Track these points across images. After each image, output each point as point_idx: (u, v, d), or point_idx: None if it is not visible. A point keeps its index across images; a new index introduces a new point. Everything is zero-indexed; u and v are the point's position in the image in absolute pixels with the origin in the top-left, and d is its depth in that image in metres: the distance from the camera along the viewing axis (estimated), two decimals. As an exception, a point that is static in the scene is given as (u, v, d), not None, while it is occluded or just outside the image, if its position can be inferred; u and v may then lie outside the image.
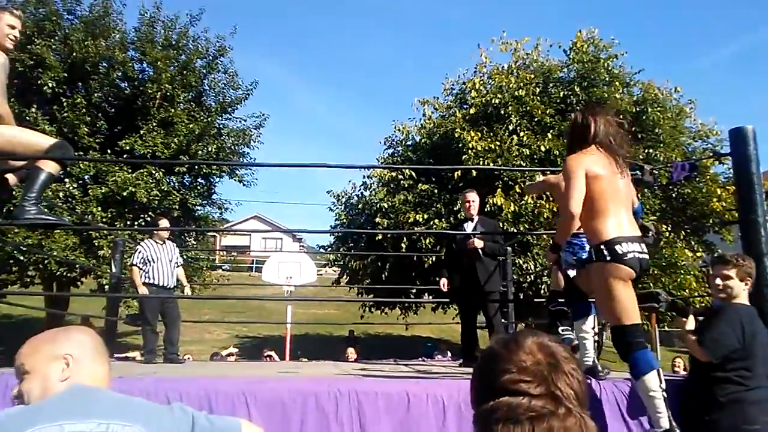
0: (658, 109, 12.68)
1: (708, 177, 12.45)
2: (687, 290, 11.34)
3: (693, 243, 12.65)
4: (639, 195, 11.29)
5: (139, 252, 6.50)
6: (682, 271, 11.70)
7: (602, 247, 2.93)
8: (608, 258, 2.91)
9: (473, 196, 5.79)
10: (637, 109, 12.64)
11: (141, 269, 6.42)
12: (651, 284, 11.15)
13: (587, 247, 3.81)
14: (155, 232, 6.68)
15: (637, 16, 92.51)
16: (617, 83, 12.71)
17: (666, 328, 19.18)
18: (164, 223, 7.00)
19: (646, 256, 3.03)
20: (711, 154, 12.40)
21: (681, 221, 12.88)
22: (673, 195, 12.50)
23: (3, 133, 3.46)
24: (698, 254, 12.54)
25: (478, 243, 5.56)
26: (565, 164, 3.12)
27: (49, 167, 3.55)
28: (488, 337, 5.85)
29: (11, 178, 3.88)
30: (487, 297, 5.55)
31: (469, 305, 5.73)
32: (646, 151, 12.11)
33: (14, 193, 5.39)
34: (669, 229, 11.96)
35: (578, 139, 3.20)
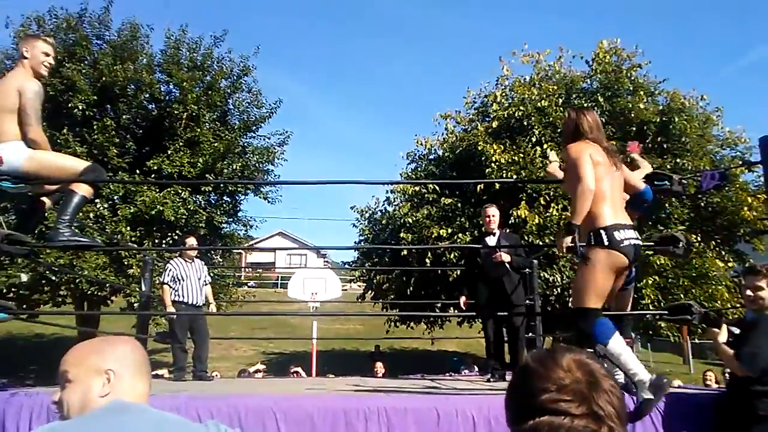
0: (685, 118, 12.49)
1: (738, 185, 12.19)
2: (719, 301, 11.09)
3: (724, 253, 12.38)
4: (667, 204, 11.04)
5: (169, 270, 6.57)
6: (713, 282, 11.45)
7: (601, 231, 3.05)
8: (606, 243, 3.03)
9: (493, 211, 5.79)
10: (663, 118, 12.47)
11: (171, 287, 6.48)
12: (682, 296, 10.94)
13: None
14: (183, 254, 6.73)
15: (659, 25, 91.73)
16: (641, 93, 12.57)
17: (697, 341, 18.77)
18: (192, 241, 7.05)
19: (640, 242, 3.17)
20: (741, 162, 12.16)
21: (711, 230, 12.62)
22: (702, 204, 12.26)
23: (38, 158, 3.57)
24: (730, 264, 12.27)
25: (505, 257, 5.58)
26: (568, 150, 3.27)
27: (83, 190, 3.65)
28: (509, 351, 5.81)
29: (46, 200, 3.99)
30: (513, 310, 5.52)
31: (496, 319, 5.70)
32: (674, 161, 11.93)
33: (47, 214, 5.53)
34: (699, 239, 11.73)
35: (572, 135, 3.38)
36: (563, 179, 3.70)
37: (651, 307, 10.17)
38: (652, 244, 4.32)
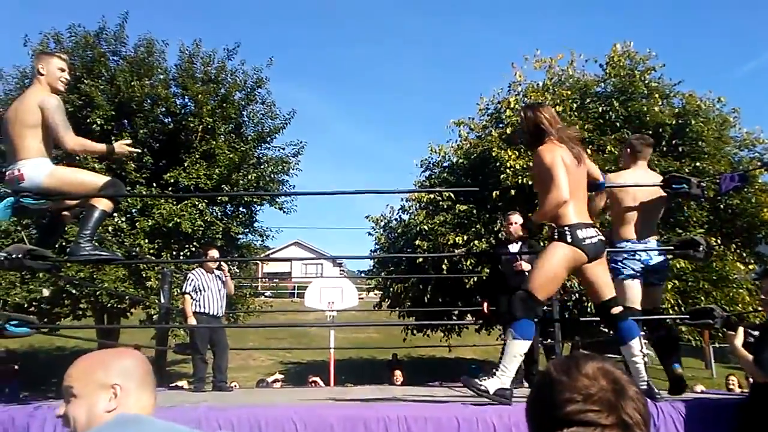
0: (701, 120, 12.38)
1: (757, 186, 12.04)
2: (740, 305, 10.92)
3: (744, 255, 12.21)
4: (686, 207, 10.88)
5: (191, 281, 6.58)
6: (734, 285, 11.29)
7: (566, 229, 3.20)
8: (569, 241, 3.17)
9: (517, 218, 5.79)
10: (679, 121, 12.37)
11: (192, 298, 6.52)
12: (702, 299, 10.80)
13: (643, 258, 3.78)
14: (204, 266, 6.77)
15: (672, 27, 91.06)
16: (656, 96, 12.49)
17: (718, 345, 18.48)
18: (214, 253, 7.08)
19: (602, 239, 3.31)
20: (760, 164, 12.02)
21: (731, 233, 12.45)
22: (721, 206, 12.11)
23: (59, 174, 3.64)
24: (750, 267, 12.10)
25: (525, 266, 5.56)
26: (541, 155, 3.29)
27: (103, 205, 3.71)
28: (525, 358, 5.76)
29: (66, 215, 4.06)
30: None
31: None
32: (692, 164, 11.81)
33: (66, 229, 5.62)
34: (718, 241, 11.57)
35: (535, 135, 3.40)
36: (532, 179, 3.78)
37: (671, 312, 10.04)
38: (672, 248, 4.28)
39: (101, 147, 4.01)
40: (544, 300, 3.36)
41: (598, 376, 0.92)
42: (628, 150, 4.22)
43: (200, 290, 6.53)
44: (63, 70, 3.80)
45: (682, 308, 10.26)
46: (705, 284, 11.02)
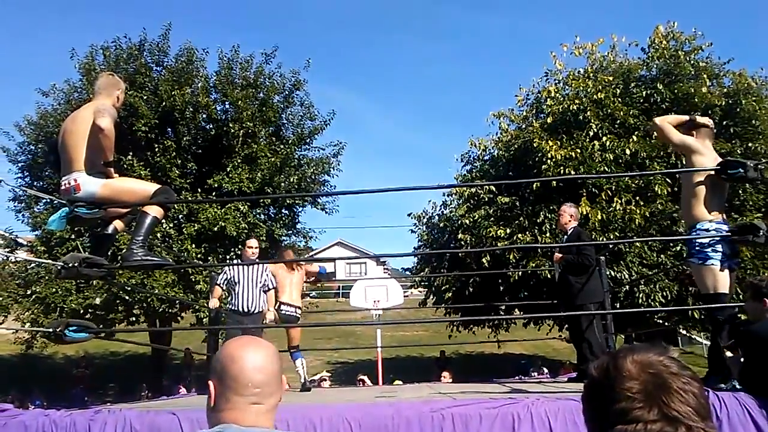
0: (753, 99, 11.87)
1: (817, 165, 11.47)
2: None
3: (806, 239, 11.64)
4: (741, 191, 10.47)
5: (224, 272, 6.37)
6: (796, 271, 10.78)
7: None
8: None
9: (563, 209, 5.71)
10: (729, 101, 11.88)
11: (222, 290, 6.29)
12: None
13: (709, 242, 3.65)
14: (243, 254, 6.44)
15: (718, 4, 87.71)
16: (704, 76, 12.01)
17: None
18: (252, 242, 6.52)
19: None
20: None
21: (791, 216, 11.90)
22: (779, 188, 11.59)
23: (112, 184, 3.73)
24: (813, 251, 11.53)
25: (557, 257, 5.67)
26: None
27: (154, 211, 3.79)
28: (576, 352, 5.65)
29: (119, 223, 4.16)
30: (575, 311, 5.34)
31: (563, 320, 5.59)
32: (744, 145, 11.34)
33: (117, 236, 5.77)
34: (778, 225, 11.07)
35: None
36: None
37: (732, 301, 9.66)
38: (730, 233, 4.10)
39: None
40: None
41: (637, 373, 0.93)
42: (695, 132, 4.06)
43: (233, 284, 6.15)
44: (123, 92, 4.09)
45: (740, 297, 9.86)
46: (765, 271, 10.56)
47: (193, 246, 12.98)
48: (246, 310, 6.11)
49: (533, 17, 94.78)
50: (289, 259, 6.96)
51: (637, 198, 11.16)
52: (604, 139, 11.32)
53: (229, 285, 6.21)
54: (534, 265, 10.95)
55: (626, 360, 0.95)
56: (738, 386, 3.34)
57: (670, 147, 4.30)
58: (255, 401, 1.29)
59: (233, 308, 6.17)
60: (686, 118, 4.24)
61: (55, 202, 4.01)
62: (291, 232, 15.62)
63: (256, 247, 6.38)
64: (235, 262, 6.31)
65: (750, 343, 3.37)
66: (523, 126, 13.18)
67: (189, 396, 8.34)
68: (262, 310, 6.23)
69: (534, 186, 11.46)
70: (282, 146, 14.79)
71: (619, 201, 10.95)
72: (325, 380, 11.19)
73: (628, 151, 11.11)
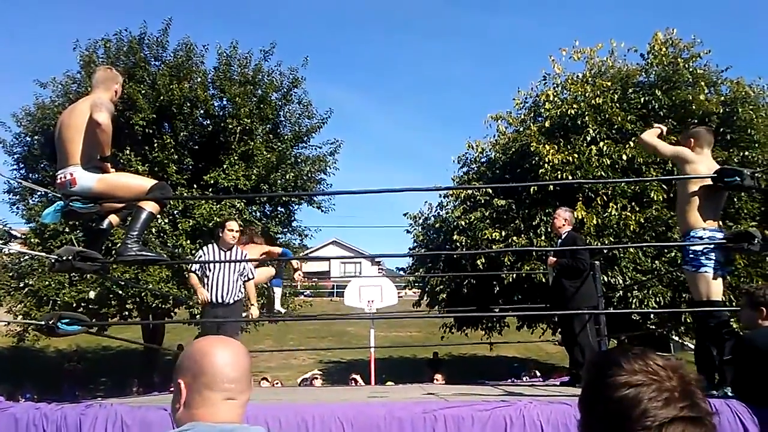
0: (750, 107, 11.92)
1: (812, 174, 11.53)
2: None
3: (800, 248, 11.68)
4: (736, 199, 10.52)
5: (198, 257, 5.80)
6: (790, 280, 10.83)
7: None
8: None
9: (558, 212, 5.72)
10: (727, 109, 11.93)
11: (198, 276, 5.62)
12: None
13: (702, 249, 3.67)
14: (221, 237, 5.69)
15: (718, 12, 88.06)
16: (702, 83, 12.05)
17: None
18: (232, 225, 5.78)
19: None
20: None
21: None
22: (774, 197, 11.64)
23: (108, 179, 3.72)
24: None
25: (551, 260, 5.69)
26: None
27: (150, 207, 3.78)
28: (569, 356, 5.67)
29: (114, 218, 4.15)
30: (568, 314, 5.36)
31: (556, 323, 5.62)
32: (741, 153, 11.38)
33: (113, 231, 5.74)
34: (772, 234, 11.11)
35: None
36: None
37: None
38: (725, 241, 4.11)
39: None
40: None
41: (634, 372, 0.92)
42: (692, 140, 4.08)
43: (207, 270, 5.49)
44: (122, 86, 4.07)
45: (734, 304, 9.89)
46: (759, 280, 10.60)
47: (188, 242, 12.94)
48: (220, 300, 5.45)
49: (533, 20, 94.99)
50: (260, 243, 6.83)
51: (633, 204, 11.20)
52: (601, 144, 11.35)
53: (203, 272, 5.55)
54: (528, 268, 10.97)
55: (618, 364, 0.94)
56: (730, 393, 3.35)
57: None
58: (229, 396, 1.29)
59: (210, 300, 5.48)
60: (658, 130, 4.31)
61: (50, 195, 4.00)
62: (286, 229, 15.60)
63: (237, 230, 5.74)
64: (233, 260, 5.50)
65: (744, 351, 3.38)
66: (521, 129, 13.20)
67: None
68: (240, 299, 5.65)
69: (530, 189, 11.48)
70: (279, 144, 14.76)
71: (615, 206, 10.98)
72: (317, 378, 11.19)
73: (624, 157, 11.14)
